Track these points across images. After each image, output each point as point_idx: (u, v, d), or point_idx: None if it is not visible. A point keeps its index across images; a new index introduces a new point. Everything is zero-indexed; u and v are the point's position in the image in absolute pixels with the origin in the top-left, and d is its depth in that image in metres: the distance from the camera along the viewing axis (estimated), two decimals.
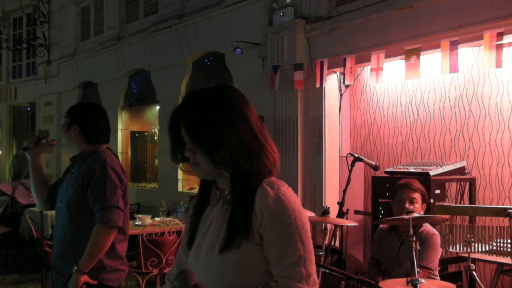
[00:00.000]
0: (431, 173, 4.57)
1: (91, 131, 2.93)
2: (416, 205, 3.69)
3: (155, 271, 5.35)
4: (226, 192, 1.64)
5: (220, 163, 1.57)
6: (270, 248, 1.53)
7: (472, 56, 5.05)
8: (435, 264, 3.62)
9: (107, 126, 3.04)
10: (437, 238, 3.61)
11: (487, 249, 3.48)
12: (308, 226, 1.56)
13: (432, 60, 5.14)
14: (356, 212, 5.60)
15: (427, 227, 3.70)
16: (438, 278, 3.56)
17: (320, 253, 3.49)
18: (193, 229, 1.71)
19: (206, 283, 1.55)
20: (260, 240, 1.54)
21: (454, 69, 4.53)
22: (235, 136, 1.55)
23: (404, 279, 3.16)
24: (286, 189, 1.57)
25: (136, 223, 5.90)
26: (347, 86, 6.09)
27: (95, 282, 2.78)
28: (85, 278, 2.73)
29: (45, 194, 3.06)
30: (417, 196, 3.75)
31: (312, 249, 1.55)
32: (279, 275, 1.52)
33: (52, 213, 5.64)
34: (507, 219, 3.21)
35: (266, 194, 1.53)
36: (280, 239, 1.52)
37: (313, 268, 1.54)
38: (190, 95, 1.64)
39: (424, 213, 3.75)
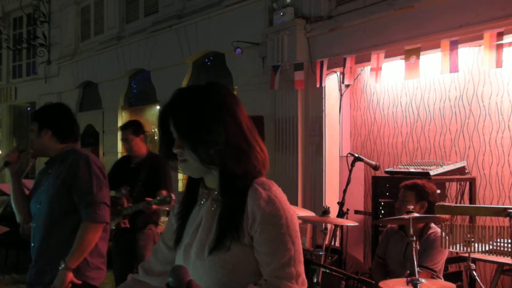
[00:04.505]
0: (431, 173, 4.57)
1: (63, 130, 2.92)
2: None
3: None
4: (215, 192, 1.62)
5: (208, 162, 1.56)
6: (261, 249, 1.52)
7: (472, 56, 5.05)
8: (439, 266, 3.60)
9: (76, 123, 3.04)
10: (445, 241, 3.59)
11: (487, 249, 3.47)
12: (297, 227, 1.56)
13: (432, 60, 5.14)
14: (356, 212, 5.60)
15: (435, 228, 3.70)
16: (442, 280, 3.55)
17: (320, 253, 3.49)
18: (181, 227, 1.70)
19: None
20: (250, 241, 1.53)
21: (454, 69, 4.53)
22: (224, 135, 1.54)
23: (404, 279, 3.16)
24: (276, 190, 1.56)
25: None
26: (347, 86, 6.09)
27: (80, 282, 2.75)
28: (71, 276, 2.70)
29: (27, 207, 2.99)
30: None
31: (301, 250, 1.56)
32: (269, 275, 1.51)
33: None
34: (507, 219, 3.20)
35: (258, 195, 1.52)
36: (271, 240, 1.51)
37: (302, 268, 1.54)
38: (180, 92, 1.62)
39: (425, 213, 3.75)
